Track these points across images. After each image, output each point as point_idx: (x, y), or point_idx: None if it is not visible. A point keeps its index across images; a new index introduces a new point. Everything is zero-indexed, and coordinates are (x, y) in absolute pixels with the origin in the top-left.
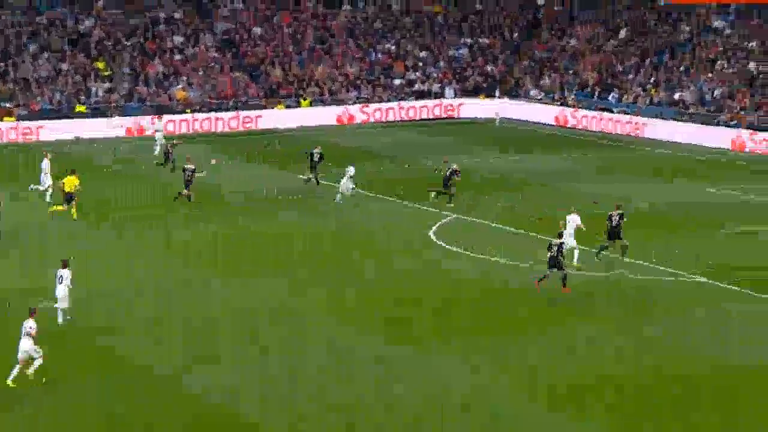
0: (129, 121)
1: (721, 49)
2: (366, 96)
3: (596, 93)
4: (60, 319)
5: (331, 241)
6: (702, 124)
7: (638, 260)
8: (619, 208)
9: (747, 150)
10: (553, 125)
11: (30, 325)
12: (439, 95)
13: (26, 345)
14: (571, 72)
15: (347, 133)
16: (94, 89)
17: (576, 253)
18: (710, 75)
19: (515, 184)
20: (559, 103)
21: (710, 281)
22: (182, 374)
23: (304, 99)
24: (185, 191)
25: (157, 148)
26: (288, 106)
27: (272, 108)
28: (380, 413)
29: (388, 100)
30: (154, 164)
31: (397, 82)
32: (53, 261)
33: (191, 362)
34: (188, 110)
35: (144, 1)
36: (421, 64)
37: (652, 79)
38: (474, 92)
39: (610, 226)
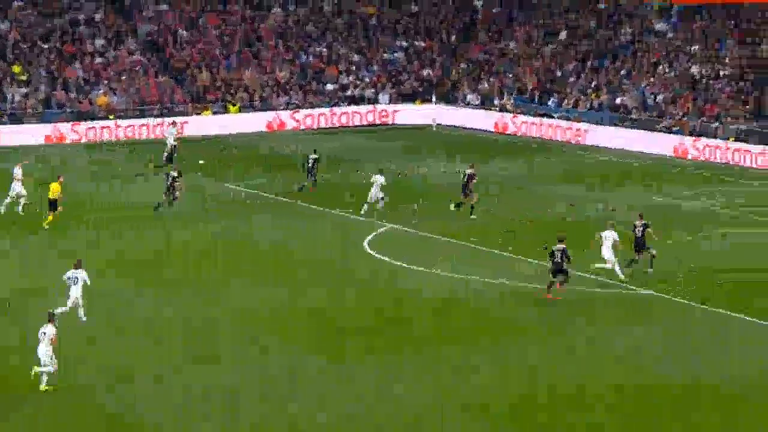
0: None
1: (663, 52)
2: (297, 102)
3: (536, 98)
4: (83, 318)
5: (261, 252)
6: (644, 129)
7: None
8: (642, 218)
9: (690, 157)
10: (492, 131)
11: (47, 331)
12: (374, 100)
13: (42, 351)
14: (510, 76)
15: (279, 139)
16: (10, 94)
17: (617, 268)
18: (652, 79)
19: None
20: (498, 108)
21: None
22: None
23: (233, 105)
24: (164, 198)
25: (165, 154)
26: (215, 112)
27: (199, 114)
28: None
29: (320, 106)
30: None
31: (329, 87)
32: None
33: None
34: (111, 116)
35: (62, 1)
36: (354, 68)
37: (593, 83)
38: (410, 97)
39: (636, 237)
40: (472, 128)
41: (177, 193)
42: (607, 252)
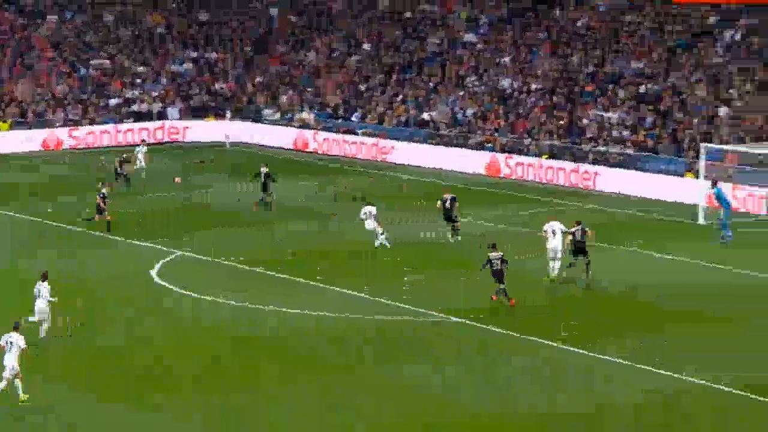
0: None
1: (472, 64)
2: (76, 117)
3: (339, 113)
4: (42, 334)
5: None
6: (454, 146)
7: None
8: (579, 223)
9: (502, 175)
10: (292, 149)
11: (13, 339)
12: (162, 116)
13: (10, 360)
14: (310, 90)
15: (57, 159)
16: None
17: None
18: (461, 93)
19: (249, 217)
20: (297, 124)
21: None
22: None
23: (4, 121)
24: (97, 217)
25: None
26: None
27: None
28: None
29: (103, 122)
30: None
31: (112, 101)
32: None
33: None
34: None
35: None
36: (140, 80)
37: (399, 97)
38: (202, 112)
39: (574, 241)
40: (269, 146)
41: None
42: (557, 242)
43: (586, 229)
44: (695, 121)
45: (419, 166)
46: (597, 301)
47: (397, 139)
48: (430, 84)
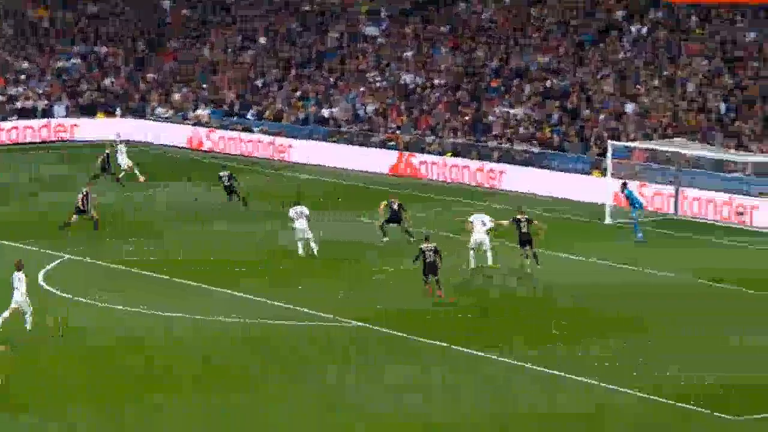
0: None
1: (373, 59)
2: None
3: (234, 110)
4: (28, 326)
5: None
6: (356, 145)
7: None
8: (523, 213)
9: (408, 173)
10: (186, 147)
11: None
12: (48, 113)
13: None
14: (205, 86)
15: None
16: None
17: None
18: (362, 89)
19: (146, 218)
20: (192, 122)
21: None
22: None
23: None
24: (75, 218)
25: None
26: None
27: None
28: None
29: None
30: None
31: None
32: None
33: None
34: None
35: None
36: (24, 77)
37: (298, 93)
38: (90, 110)
39: (520, 232)
40: (162, 144)
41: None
42: (480, 236)
43: (532, 219)
44: (602, 117)
45: (319, 165)
46: (512, 303)
47: (295, 137)
48: (330, 79)
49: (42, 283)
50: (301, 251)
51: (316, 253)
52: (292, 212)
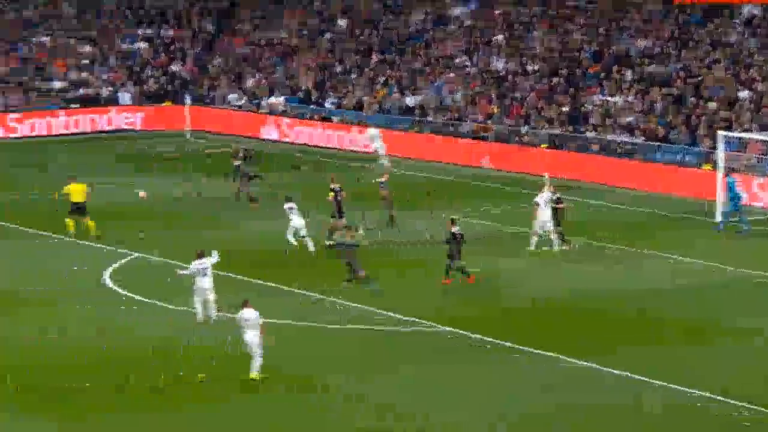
0: None
1: (461, 43)
2: (16, 104)
3: (312, 98)
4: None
5: None
6: (442, 135)
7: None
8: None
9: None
10: (258, 139)
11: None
12: (112, 101)
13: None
14: (279, 72)
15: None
16: None
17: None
18: (450, 75)
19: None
20: (267, 110)
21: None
22: None
23: None
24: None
25: None
26: None
27: None
28: None
29: (46, 108)
30: None
31: (56, 84)
32: None
33: None
34: None
35: None
36: (86, 61)
37: (380, 80)
38: (157, 97)
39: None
40: (234, 135)
41: None
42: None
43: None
44: (711, 105)
45: (403, 157)
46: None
47: (378, 126)
48: (416, 65)
49: (108, 282)
50: (292, 240)
51: (311, 250)
52: (285, 207)
